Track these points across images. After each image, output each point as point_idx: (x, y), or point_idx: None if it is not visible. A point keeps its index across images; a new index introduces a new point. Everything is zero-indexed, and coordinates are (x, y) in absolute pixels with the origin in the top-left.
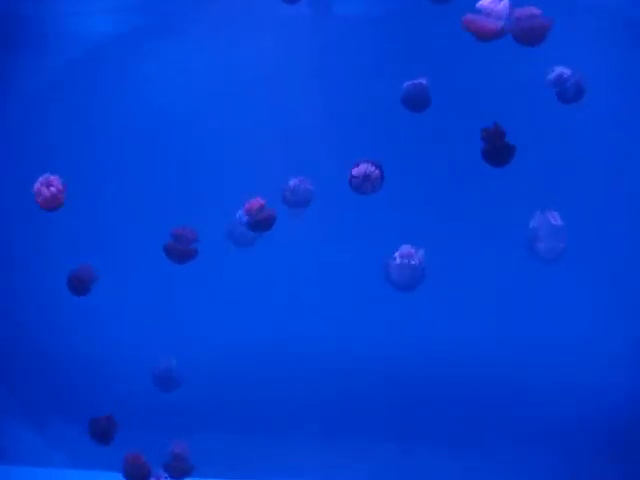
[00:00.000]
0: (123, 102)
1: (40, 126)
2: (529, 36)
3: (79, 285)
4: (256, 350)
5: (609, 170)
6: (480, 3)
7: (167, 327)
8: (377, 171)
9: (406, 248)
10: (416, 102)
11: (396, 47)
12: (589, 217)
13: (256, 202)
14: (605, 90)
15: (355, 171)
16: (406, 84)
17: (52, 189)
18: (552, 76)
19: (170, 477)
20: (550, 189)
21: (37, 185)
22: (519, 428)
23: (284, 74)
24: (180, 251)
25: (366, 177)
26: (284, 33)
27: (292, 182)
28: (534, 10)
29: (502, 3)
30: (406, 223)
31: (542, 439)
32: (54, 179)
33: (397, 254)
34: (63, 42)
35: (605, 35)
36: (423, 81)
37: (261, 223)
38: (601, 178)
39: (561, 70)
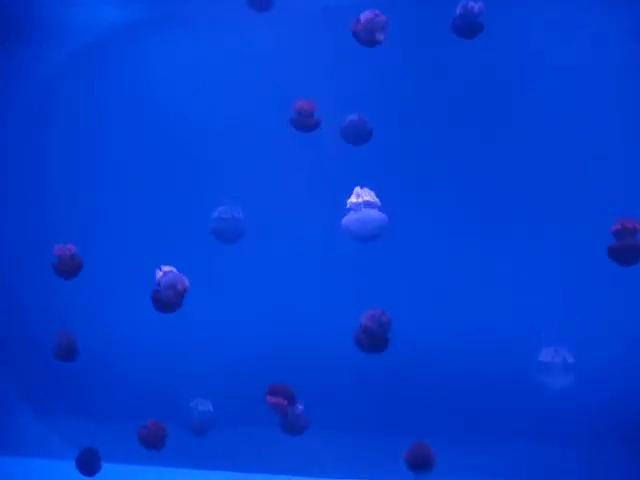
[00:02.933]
0: (127, 92)
1: (44, 115)
2: None
3: (66, 353)
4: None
5: None
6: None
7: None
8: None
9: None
10: None
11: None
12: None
13: (308, 104)
14: None
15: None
16: None
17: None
18: None
19: None
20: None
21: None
22: (513, 420)
23: (293, 65)
24: (165, 302)
25: (371, 21)
26: (291, 24)
27: (350, 117)
28: None
29: None
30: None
31: (538, 431)
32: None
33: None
34: (68, 32)
35: None
36: None
37: (306, 126)
38: None
39: None
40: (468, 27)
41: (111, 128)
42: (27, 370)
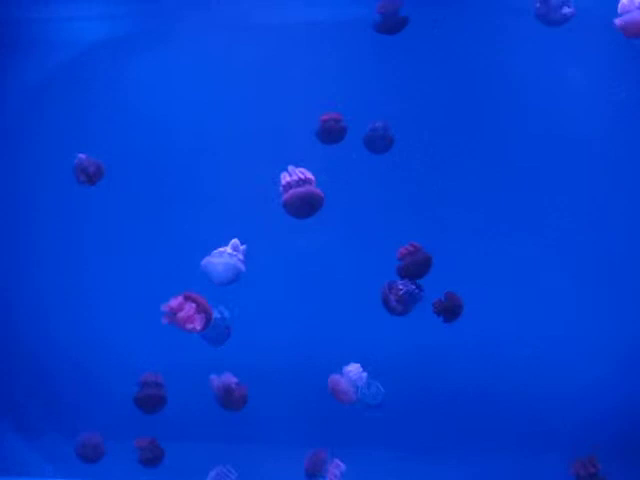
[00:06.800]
0: (115, 107)
1: (27, 130)
2: None
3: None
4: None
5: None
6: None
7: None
8: None
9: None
10: None
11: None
12: (588, 219)
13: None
14: None
15: None
16: None
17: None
18: None
19: None
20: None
21: None
22: (516, 431)
23: (278, 80)
24: (148, 399)
25: None
26: (277, 40)
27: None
28: None
29: None
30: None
31: (541, 441)
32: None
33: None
34: (51, 48)
35: None
36: None
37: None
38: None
39: None
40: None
41: (96, 145)
42: (12, 386)
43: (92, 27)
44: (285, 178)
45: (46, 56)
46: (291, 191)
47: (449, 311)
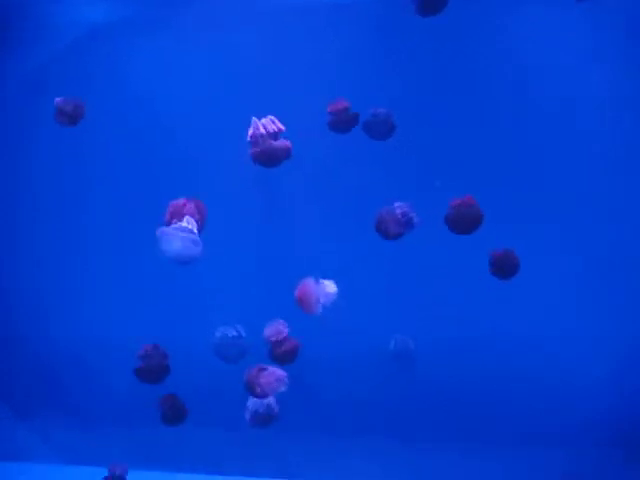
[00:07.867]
0: (111, 92)
1: (27, 114)
2: None
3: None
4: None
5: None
6: None
7: (150, 321)
8: None
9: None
10: None
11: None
12: (588, 219)
13: (341, 103)
14: None
15: None
16: None
17: None
18: None
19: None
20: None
21: None
22: (516, 425)
23: (276, 66)
24: (151, 370)
25: None
26: (275, 25)
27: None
28: None
29: None
30: None
31: (542, 437)
32: None
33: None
34: (51, 31)
35: None
36: None
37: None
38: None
39: None
40: None
41: (95, 128)
42: (9, 372)
43: (96, 9)
44: (250, 131)
45: (50, 38)
46: (254, 148)
47: (501, 268)
